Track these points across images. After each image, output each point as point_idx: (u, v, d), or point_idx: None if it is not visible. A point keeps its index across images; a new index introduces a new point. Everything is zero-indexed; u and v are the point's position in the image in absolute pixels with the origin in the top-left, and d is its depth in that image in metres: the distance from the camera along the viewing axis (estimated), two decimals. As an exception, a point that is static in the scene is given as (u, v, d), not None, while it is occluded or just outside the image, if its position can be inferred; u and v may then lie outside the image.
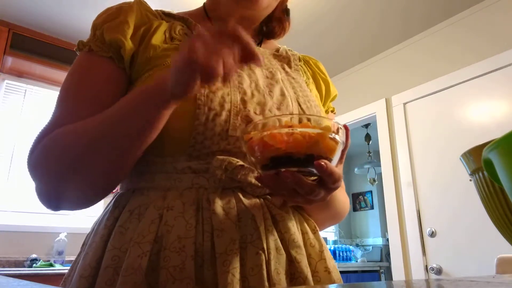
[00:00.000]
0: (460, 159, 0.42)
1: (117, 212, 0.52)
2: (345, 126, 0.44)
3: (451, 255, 2.21)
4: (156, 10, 0.64)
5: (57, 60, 2.90)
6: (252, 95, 0.56)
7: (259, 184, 0.51)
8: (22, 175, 2.63)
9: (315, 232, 0.56)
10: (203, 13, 0.69)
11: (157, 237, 0.47)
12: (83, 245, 0.56)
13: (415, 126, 2.56)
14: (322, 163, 0.40)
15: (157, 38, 0.58)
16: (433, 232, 2.32)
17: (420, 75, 2.60)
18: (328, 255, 0.55)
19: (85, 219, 2.84)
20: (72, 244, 2.67)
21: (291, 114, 0.53)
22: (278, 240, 0.50)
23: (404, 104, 2.65)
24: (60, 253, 2.51)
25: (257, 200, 0.52)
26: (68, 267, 2.44)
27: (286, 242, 0.50)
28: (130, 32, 0.57)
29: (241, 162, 0.51)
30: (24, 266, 2.40)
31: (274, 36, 0.75)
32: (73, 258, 2.62)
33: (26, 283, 0.36)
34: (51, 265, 2.36)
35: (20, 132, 2.69)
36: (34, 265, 2.36)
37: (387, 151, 2.70)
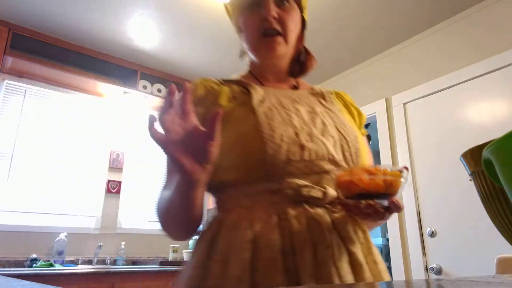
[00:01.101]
0: (460, 159, 0.42)
1: (215, 226, 0.70)
2: (406, 167, 0.60)
3: (451, 255, 2.21)
4: (217, 79, 0.83)
5: (57, 60, 2.90)
6: (302, 128, 0.73)
7: (320, 197, 0.68)
8: (22, 175, 2.63)
9: (364, 233, 0.71)
10: (249, 73, 0.89)
11: (252, 239, 0.64)
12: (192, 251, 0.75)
13: (415, 126, 2.56)
14: (395, 201, 0.59)
15: (223, 99, 0.77)
16: (433, 232, 2.32)
17: (420, 75, 2.60)
18: (376, 251, 0.70)
19: (85, 219, 2.84)
20: (72, 244, 2.67)
21: (375, 165, 0.67)
22: (339, 239, 0.66)
23: (404, 104, 2.65)
24: (60, 253, 2.51)
25: (320, 210, 0.68)
26: (68, 267, 2.45)
27: (345, 240, 0.66)
28: (195, 105, 0.75)
29: (305, 182, 0.67)
30: (24, 266, 2.41)
31: (303, 74, 0.93)
32: (73, 258, 2.63)
33: (26, 283, 0.36)
34: (51, 265, 2.36)
35: (20, 132, 2.69)
36: (34, 265, 2.36)
37: (387, 151, 2.70)
